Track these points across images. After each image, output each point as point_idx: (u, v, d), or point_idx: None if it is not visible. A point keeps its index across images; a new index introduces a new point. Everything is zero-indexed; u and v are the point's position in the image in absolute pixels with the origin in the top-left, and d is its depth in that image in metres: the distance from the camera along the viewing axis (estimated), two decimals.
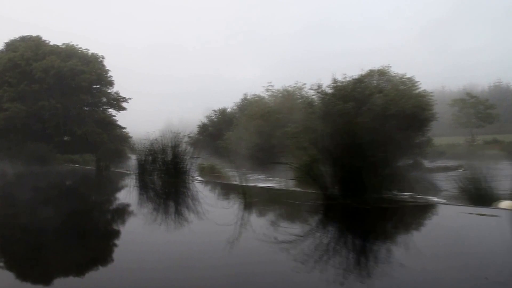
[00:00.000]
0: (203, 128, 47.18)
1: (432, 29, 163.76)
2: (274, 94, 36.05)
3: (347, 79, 28.57)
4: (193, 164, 11.07)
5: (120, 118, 40.46)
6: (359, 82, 28.97)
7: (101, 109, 38.65)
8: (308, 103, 30.26)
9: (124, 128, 41.25)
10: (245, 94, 45.98)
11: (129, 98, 39.98)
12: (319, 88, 28.99)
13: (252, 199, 6.21)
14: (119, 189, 12.38)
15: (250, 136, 35.26)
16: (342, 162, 5.39)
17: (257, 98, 36.75)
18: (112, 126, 40.43)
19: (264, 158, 29.02)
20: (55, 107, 35.33)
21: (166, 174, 10.73)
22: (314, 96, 33.12)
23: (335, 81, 28.20)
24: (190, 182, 10.64)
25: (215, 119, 47.06)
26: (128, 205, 7.59)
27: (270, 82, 36.07)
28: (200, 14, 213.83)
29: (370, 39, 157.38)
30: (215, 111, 47.30)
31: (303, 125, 28.81)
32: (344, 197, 5.41)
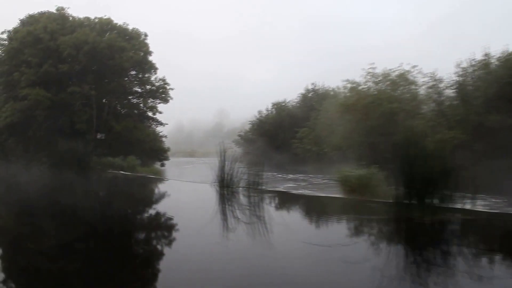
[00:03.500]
0: (258, 126, 38.72)
1: None
2: (378, 80, 27.66)
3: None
4: None
5: None
6: None
7: (144, 99, 30.05)
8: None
9: (165, 124, 32.84)
10: (313, 84, 37.60)
11: (171, 89, 31.47)
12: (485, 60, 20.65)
13: None
14: None
15: (350, 132, 26.89)
16: None
17: (352, 84, 28.36)
18: (152, 122, 32.01)
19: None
20: (88, 95, 26.91)
21: None
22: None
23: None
24: None
25: (271, 115, 38.51)
26: None
27: (373, 64, 27.67)
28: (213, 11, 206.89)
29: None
30: (274, 104, 38.76)
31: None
32: None
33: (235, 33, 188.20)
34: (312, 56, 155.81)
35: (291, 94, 64.72)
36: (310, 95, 37.57)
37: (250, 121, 40.70)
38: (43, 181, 17.30)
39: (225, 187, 12.95)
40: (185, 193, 14.11)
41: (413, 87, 26.05)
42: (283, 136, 35.18)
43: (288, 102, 38.19)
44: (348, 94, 29.05)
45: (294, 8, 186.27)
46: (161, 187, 16.70)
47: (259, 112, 39.72)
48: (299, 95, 38.41)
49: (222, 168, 12.61)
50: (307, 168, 31.84)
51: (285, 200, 12.41)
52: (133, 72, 30.44)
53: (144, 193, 14.52)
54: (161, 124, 32.44)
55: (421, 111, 25.74)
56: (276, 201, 12.07)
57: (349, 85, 29.17)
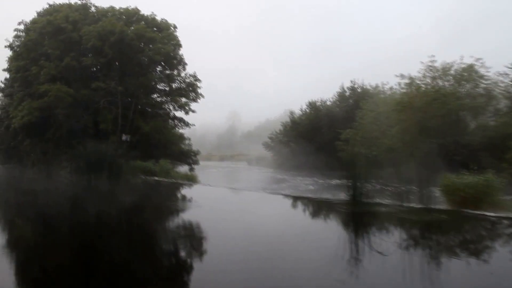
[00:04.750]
0: (291, 127, 35.63)
1: None
2: (438, 74, 24.53)
3: None
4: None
5: None
6: None
7: (173, 97, 27.07)
8: None
9: (192, 125, 29.87)
10: (352, 82, 34.43)
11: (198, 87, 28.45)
12: None
13: None
14: None
15: (405, 132, 23.83)
16: None
17: (408, 80, 25.26)
18: (179, 122, 29.08)
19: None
20: (113, 91, 24.08)
21: None
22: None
23: None
24: None
25: (306, 115, 35.37)
26: None
27: (433, 56, 24.56)
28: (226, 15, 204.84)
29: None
30: (310, 103, 35.64)
31: None
32: None
33: (242, 33, 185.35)
34: (320, 57, 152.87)
35: (302, 95, 61.82)
36: (347, 93, 34.50)
37: (282, 122, 37.66)
38: (74, 189, 14.40)
39: (355, 203, 10.42)
40: (285, 214, 10.25)
41: (483, 81, 22.91)
42: (321, 138, 32.11)
43: (325, 101, 35.09)
44: (404, 90, 25.93)
45: (302, 9, 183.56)
46: (227, 200, 13.60)
47: (291, 112, 36.72)
48: (335, 93, 35.40)
49: (355, 176, 9.91)
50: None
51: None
52: (159, 68, 27.61)
53: (219, 209, 11.18)
54: (187, 125, 29.49)
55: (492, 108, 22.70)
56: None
57: (403, 81, 26.08)
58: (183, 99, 26.35)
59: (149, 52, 24.69)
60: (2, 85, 33.42)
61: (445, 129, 22.17)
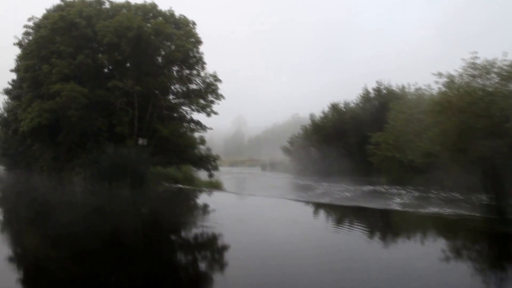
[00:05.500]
0: (313, 131, 33.71)
1: None
2: (479, 73, 22.56)
3: None
4: None
5: None
6: None
7: (192, 98, 25.19)
8: None
9: (209, 129, 27.94)
10: (378, 82, 32.46)
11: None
12: None
13: None
14: None
15: (445, 135, 21.86)
16: None
17: (447, 78, 23.27)
18: (195, 125, 27.19)
19: None
20: (130, 91, 22.31)
21: None
22: None
23: None
24: None
25: (330, 118, 33.43)
26: None
27: (476, 52, 22.65)
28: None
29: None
30: (332, 106, 33.72)
31: None
32: None
33: (247, 40, 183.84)
34: (325, 63, 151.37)
35: (308, 100, 60.24)
36: (372, 95, 32.63)
37: (302, 125, 35.77)
38: (97, 200, 12.53)
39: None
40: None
41: None
42: (347, 142, 30.21)
43: (348, 103, 33.20)
44: (443, 89, 23.95)
45: (308, 14, 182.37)
46: (277, 214, 11.69)
47: (311, 115, 34.83)
48: (358, 95, 33.52)
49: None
50: (384, 178, 26.74)
51: None
52: (175, 68, 25.81)
53: (276, 232, 9.29)
54: (204, 128, 27.58)
55: None
56: None
57: (441, 80, 24.10)
58: (201, 101, 24.45)
59: (168, 49, 22.93)
60: (10, 87, 31.94)
61: (495, 131, 20.26)
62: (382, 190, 22.60)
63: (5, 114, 35.77)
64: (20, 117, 24.88)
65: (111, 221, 8.98)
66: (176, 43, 22.77)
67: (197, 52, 24.69)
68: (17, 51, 26.36)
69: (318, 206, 14.66)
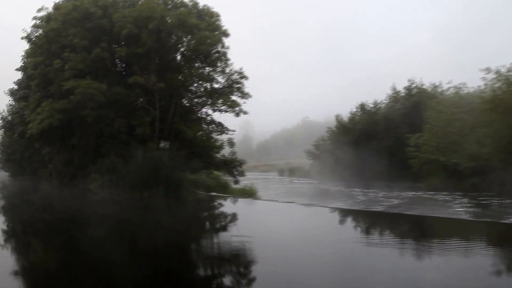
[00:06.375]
0: (342, 132, 31.35)
1: None
2: None
3: None
4: None
5: None
6: None
7: (219, 96, 22.82)
8: None
9: (233, 131, 25.44)
10: (409, 81, 30.01)
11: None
12: None
13: None
14: None
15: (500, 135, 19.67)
16: None
17: (497, 74, 21.02)
18: (218, 126, 24.79)
19: None
20: (152, 89, 20.04)
21: None
22: None
23: None
24: None
25: (359, 119, 31.06)
26: None
27: None
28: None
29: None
30: (360, 106, 31.38)
31: None
32: None
33: (252, 43, 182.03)
34: (332, 67, 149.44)
35: (316, 103, 58.22)
36: (402, 94, 30.34)
37: (328, 128, 33.41)
38: (137, 214, 10.14)
39: None
40: None
41: None
42: (378, 144, 27.86)
43: (378, 103, 30.85)
44: (493, 86, 21.67)
45: (311, 19, 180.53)
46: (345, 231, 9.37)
47: (337, 116, 32.49)
48: (387, 95, 31.21)
49: None
50: (424, 183, 24.32)
51: None
52: (197, 64, 23.50)
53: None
54: (225, 131, 25.06)
55: None
56: None
57: (489, 76, 21.79)
58: (234, 96, 22.14)
59: (192, 42, 20.69)
60: (16, 87, 29.76)
61: None
62: (429, 196, 20.32)
63: (9, 117, 33.62)
64: (28, 119, 22.63)
65: (174, 246, 6.64)
66: (200, 35, 20.49)
67: (223, 46, 22.42)
68: (21, 52, 24.34)
69: (380, 216, 12.52)
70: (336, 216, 12.17)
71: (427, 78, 39.61)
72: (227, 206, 12.64)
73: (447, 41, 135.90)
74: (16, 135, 28.45)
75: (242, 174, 24.14)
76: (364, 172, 28.78)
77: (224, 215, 10.62)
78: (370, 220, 11.77)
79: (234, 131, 25.60)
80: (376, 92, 47.15)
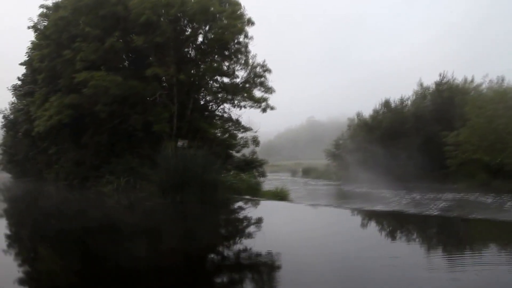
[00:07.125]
0: (366, 130, 29.65)
1: None
2: None
3: None
4: None
5: None
6: None
7: (245, 90, 21.06)
8: None
9: (251, 130, 23.51)
10: (440, 75, 28.24)
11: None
12: None
13: None
14: None
15: None
16: None
17: None
18: (235, 124, 22.98)
19: None
20: (171, 82, 18.34)
21: None
22: None
23: None
24: None
25: (385, 117, 29.32)
26: None
27: None
28: None
29: None
30: (385, 103, 29.69)
31: None
32: None
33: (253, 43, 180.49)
34: (332, 66, 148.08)
35: (320, 103, 56.64)
36: (430, 90, 28.69)
37: (349, 126, 31.72)
38: (192, 226, 8.40)
39: None
40: None
41: None
42: (407, 143, 26.14)
43: (405, 99, 29.13)
44: None
45: (311, 18, 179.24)
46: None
47: (358, 114, 30.83)
48: (413, 91, 29.53)
49: None
50: (461, 184, 22.61)
51: None
52: (216, 57, 21.77)
53: None
54: (243, 129, 23.23)
55: None
56: None
57: None
58: (259, 89, 20.45)
59: (212, 31, 19.00)
60: (19, 83, 28.07)
61: None
62: (474, 199, 18.68)
63: (12, 116, 31.85)
64: (34, 116, 20.93)
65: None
66: (223, 24, 18.79)
67: (246, 36, 20.70)
68: (23, 49, 22.67)
69: (447, 220, 10.89)
70: (392, 221, 10.49)
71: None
72: (271, 211, 10.95)
73: (455, 38, 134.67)
74: (20, 134, 26.68)
75: (263, 175, 22.44)
76: (390, 173, 27.07)
77: (277, 223, 8.91)
78: (438, 226, 10.08)
79: (251, 129, 23.55)
80: (377, 92, 45.56)
